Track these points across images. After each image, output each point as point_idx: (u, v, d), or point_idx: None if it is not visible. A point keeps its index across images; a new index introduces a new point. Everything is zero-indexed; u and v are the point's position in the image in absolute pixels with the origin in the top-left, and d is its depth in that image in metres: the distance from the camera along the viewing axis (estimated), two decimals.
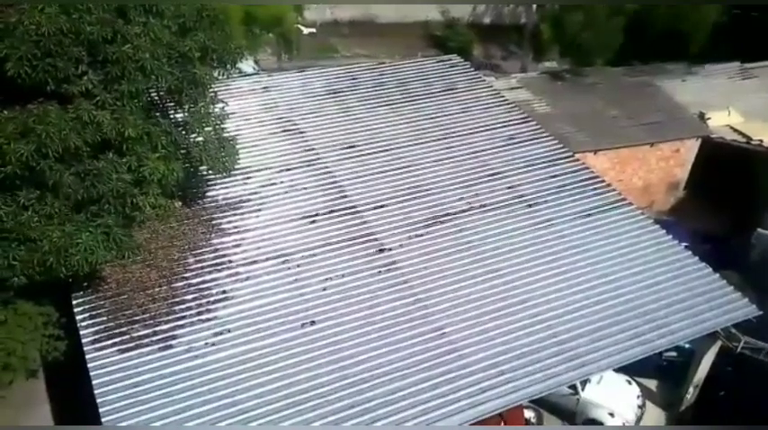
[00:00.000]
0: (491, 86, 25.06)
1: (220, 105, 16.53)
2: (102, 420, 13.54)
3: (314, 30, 35.15)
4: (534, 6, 34.39)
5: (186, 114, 15.50)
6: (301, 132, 21.53)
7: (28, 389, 17.49)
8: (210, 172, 17.93)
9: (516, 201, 19.84)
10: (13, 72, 11.85)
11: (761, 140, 25.34)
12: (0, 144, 11.79)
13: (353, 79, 24.19)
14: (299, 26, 32.30)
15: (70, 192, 12.64)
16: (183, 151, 15.52)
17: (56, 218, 12.74)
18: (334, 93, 23.45)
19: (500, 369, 15.25)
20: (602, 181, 21.05)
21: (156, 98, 15.32)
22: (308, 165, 20.32)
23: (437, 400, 14.52)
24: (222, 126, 16.55)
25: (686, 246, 19.19)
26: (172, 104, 15.61)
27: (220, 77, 15.84)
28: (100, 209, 13.07)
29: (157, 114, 14.72)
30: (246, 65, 26.37)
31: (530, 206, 19.70)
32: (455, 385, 14.82)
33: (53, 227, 12.69)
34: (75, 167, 12.65)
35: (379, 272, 17.30)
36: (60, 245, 12.61)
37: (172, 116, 15.57)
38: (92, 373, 14.34)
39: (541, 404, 19.09)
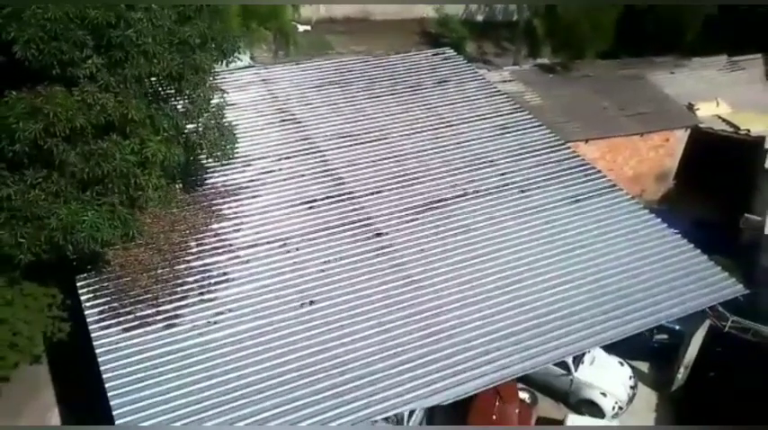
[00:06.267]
0: (484, 78, 25.58)
1: (219, 93, 17.02)
2: (109, 395, 13.93)
3: (309, 27, 35.52)
4: None
5: (186, 101, 15.96)
6: (298, 122, 22.00)
7: (32, 374, 17.89)
8: (210, 159, 18.41)
9: (508, 187, 20.33)
10: (20, 54, 12.32)
11: (748, 130, 25.86)
12: (9, 123, 12.28)
13: (349, 72, 24.71)
14: (294, 23, 32.64)
15: (76, 171, 13.09)
16: (183, 137, 15.97)
17: (62, 196, 13.20)
18: (331, 84, 23.95)
19: (488, 348, 15.68)
20: (593, 168, 21.53)
21: (158, 86, 15.70)
22: (306, 154, 20.79)
23: (429, 376, 14.97)
24: (222, 113, 17.04)
25: (676, 233, 19.61)
26: (172, 92, 16.01)
27: (220, 65, 16.26)
28: (104, 188, 13.52)
29: (160, 101, 15.15)
30: (244, 59, 26.74)
31: (521, 192, 20.18)
32: (446, 363, 15.26)
33: (59, 205, 13.15)
34: (81, 147, 13.10)
35: (375, 255, 17.72)
36: (67, 222, 13.04)
37: (173, 103, 16.00)
38: (97, 351, 14.74)
39: (535, 385, 19.53)
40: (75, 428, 17.56)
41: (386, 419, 16.61)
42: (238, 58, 17.08)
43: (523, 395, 19.18)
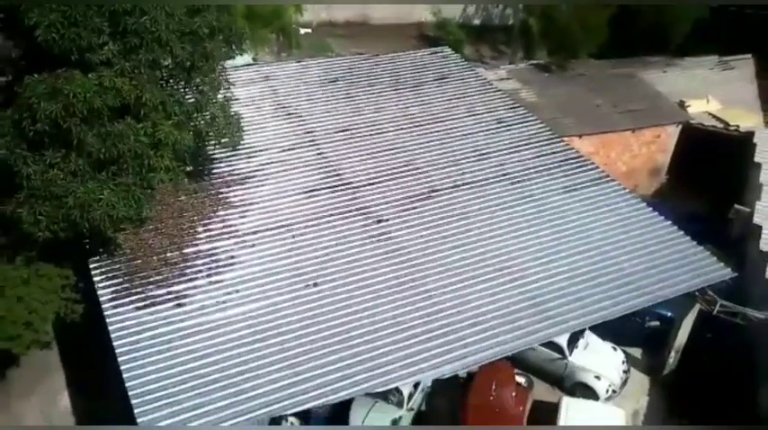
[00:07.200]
0: (481, 76, 26.31)
1: (226, 85, 17.71)
2: (122, 368, 14.52)
3: (310, 30, 36.31)
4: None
5: (195, 91, 16.66)
6: (301, 117, 22.73)
7: (43, 359, 18.45)
8: (217, 149, 19.27)
9: (503, 178, 21.03)
10: (42, 38, 13.04)
11: (737, 126, 26.60)
12: (31, 103, 12.99)
13: (350, 69, 25.49)
14: (295, 26, 33.35)
15: (93, 151, 13.78)
16: (192, 125, 16.66)
17: (79, 175, 13.89)
18: (332, 81, 24.73)
19: (481, 327, 16.34)
20: (587, 160, 22.22)
21: (169, 76, 16.34)
22: (308, 146, 21.51)
23: (426, 354, 15.62)
24: (228, 105, 17.73)
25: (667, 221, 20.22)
26: (183, 84, 16.68)
27: (228, 56, 16.96)
28: (119, 169, 14.20)
29: (171, 88, 15.87)
30: (247, 59, 27.47)
31: (517, 182, 20.89)
32: (441, 341, 15.92)
33: (77, 184, 13.82)
34: (98, 129, 13.79)
35: (376, 240, 18.41)
36: (84, 200, 13.72)
37: (183, 92, 16.68)
38: (110, 328, 15.33)
39: (531, 370, 20.13)
40: (76, 428, 18.11)
41: (388, 393, 17.39)
42: (244, 50, 17.74)
43: (520, 379, 19.74)
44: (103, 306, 15.83)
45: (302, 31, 34.88)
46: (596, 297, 17.40)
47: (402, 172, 20.92)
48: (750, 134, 25.84)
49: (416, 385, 18.33)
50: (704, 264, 18.65)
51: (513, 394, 18.82)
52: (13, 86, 14.15)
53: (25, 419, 18.18)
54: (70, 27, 13.19)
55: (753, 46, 31.18)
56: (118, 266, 16.70)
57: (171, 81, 16.32)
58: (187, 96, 16.64)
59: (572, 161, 21.97)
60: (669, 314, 20.47)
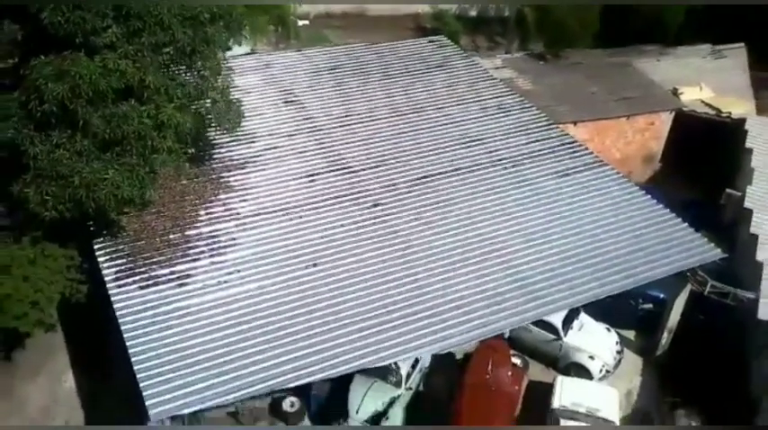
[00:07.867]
0: (477, 64, 26.67)
1: (227, 72, 18.05)
2: (127, 344, 14.88)
3: (307, 22, 36.60)
4: None
5: (197, 76, 16.98)
6: (300, 103, 23.11)
7: (47, 341, 18.79)
8: (217, 135, 19.60)
9: (498, 163, 21.42)
10: (47, 21, 13.39)
11: (730, 113, 27.00)
12: (38, 85, 13.35)
13: (348, 57, 25.85)
14: (294, 17, 33.64)
15: (98, 132, 14.16)
16: (194, 108, 17.02)
17: (85, 155, 14.25)
18: (331, 69, 25.09)
19: (465, 310, 16.67)
20: (580, 145, 22.61)
21: (170, 62, 16.64)
22: (308, 132, 21.88)
23: (419, 331, 16.02)
24: (228, 90, 18.06)
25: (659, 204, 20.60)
26: (184, 68, 16.97)
27: (229, 41, 17.30)
28: (123, 149, 14.57)
29: (173, 72, 16.23)
30: (246, 49, 27.75)
31: (512, 167, 21.28)
32: (426, 322, 16.26)
33: (83, 164, 14.20)
34: (102, 110, 14.17)
35: (372, 223, 18.81)
36: (89, 180, 14.10)
37: (185, 77, 17.02)
38: (115, 306, 15.70)
39: (527, 351, 20.55)
40: (79, 428, 18.47)
41: (387, 373, 17.79)
42: (244, 36, 18.06)
43: (516, 360, 20.16)
44: (108, 285, 16.20)
45: (300, 22, 35.14)
46: (584, 278, 17.75)
47: (400, 157, 21.31)
48: (742, 121, 26.26)
49: (414, 365, 18.77)
50: (694, 245, 19.05)
51: (509, 373, 19.24)
52: (19, 69, 14.51)
53: (31, 400, 18.55)
54: (75, 10, 13.55)
55: (745, 35, 31.54)
56: (122, 247, 17.07)
57: (173, 65, 16.59)
58: (188, 79, 16.96)
59: (566, 146, 22.37)
60: (662, 296, 20.84)
